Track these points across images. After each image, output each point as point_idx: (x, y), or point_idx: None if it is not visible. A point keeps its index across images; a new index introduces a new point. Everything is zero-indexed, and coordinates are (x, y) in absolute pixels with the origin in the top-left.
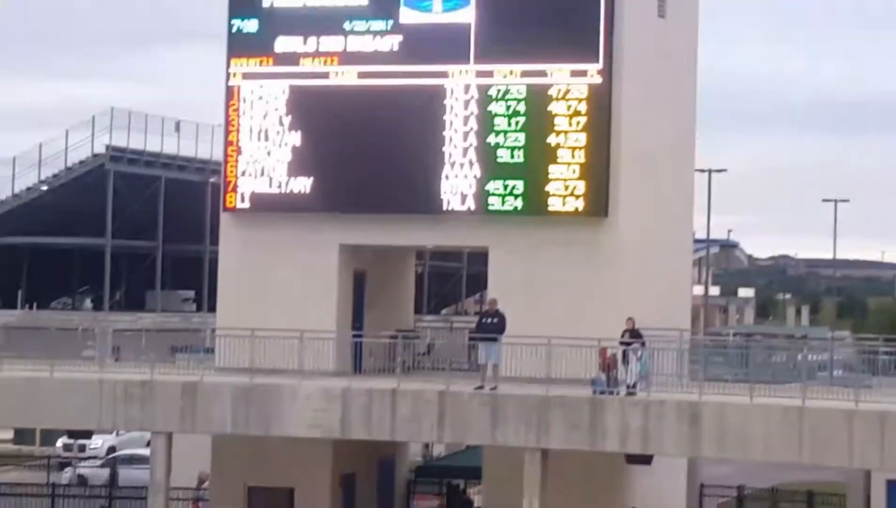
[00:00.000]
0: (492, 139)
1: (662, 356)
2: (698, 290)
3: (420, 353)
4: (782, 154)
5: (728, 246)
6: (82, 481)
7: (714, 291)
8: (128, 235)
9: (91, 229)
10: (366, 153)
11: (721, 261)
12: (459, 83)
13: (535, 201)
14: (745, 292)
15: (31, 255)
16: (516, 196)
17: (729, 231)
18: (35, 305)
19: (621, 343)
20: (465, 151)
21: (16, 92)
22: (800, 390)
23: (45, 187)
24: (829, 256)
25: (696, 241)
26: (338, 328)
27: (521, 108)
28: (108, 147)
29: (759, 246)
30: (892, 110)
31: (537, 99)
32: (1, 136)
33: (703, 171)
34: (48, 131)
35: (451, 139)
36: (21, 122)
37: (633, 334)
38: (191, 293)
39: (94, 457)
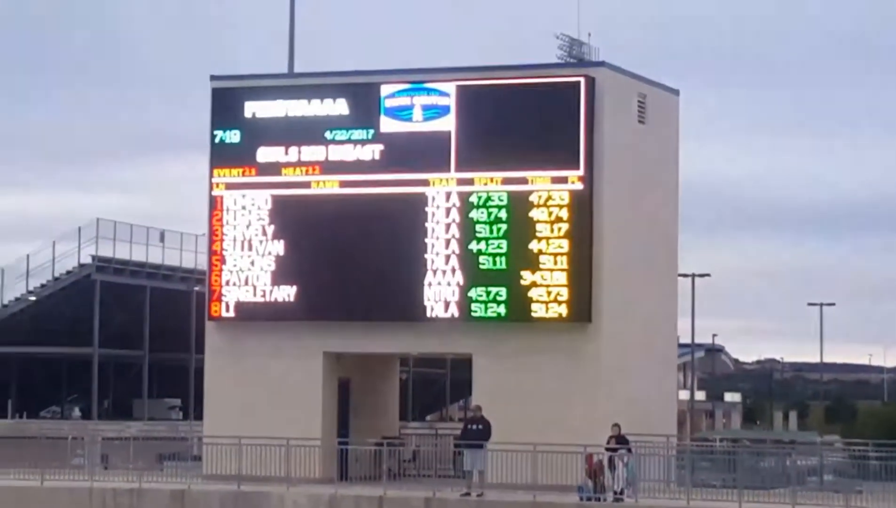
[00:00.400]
0: (474, 246)
1: (649, 462)
2: (684, 395)
3: (406, 460)
4: (767, 257)
5: (713, 350)
6: None
7: (700, 395)
8: (115, 344)
9: (79, 339)
10: (349, 261)
11: (706, 365)
12: (441, 191)
13: (518, 308)
14: (732, 397)
15: (19, 364)
16: (499, 303)
17: (714, 335)
18: (24, 414)
19: (607, 449)
20: (448, 258)
21: (4, 202)
22: (789, 495)
23: (32, 297)
24: (815, 359)
25: (681, 345)
26: (323, 436)
27: (503, 214)
28: (94, 257)
29: (745, 350)
30: (875, 213)
31: (519, 206)
32: None
33: (686, 275)
34: (35, 242)
35: (433, 246)
36: (8, 232)
37: (620, 440)
38: (177, 401)
39: None
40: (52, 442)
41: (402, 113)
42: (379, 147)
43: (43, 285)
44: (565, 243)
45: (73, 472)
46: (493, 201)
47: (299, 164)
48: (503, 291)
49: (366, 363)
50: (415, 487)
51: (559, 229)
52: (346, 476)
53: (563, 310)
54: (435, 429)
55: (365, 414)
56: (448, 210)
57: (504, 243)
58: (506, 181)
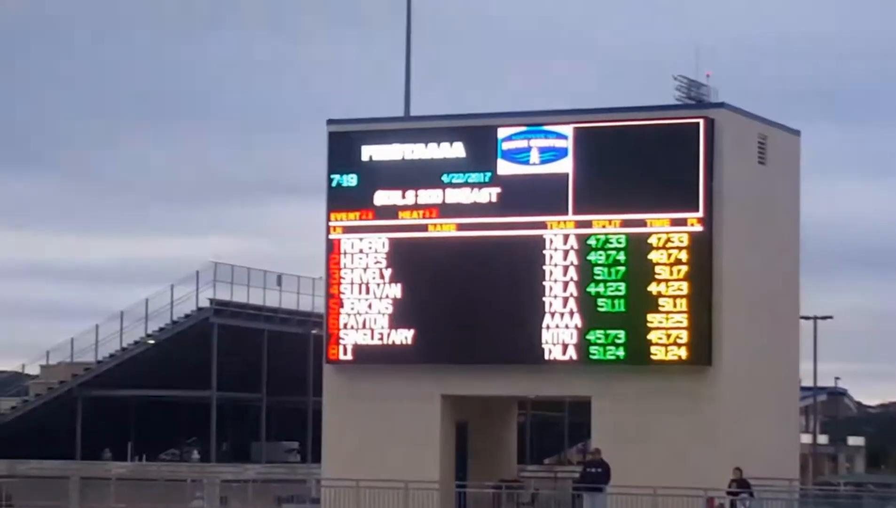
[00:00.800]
0: (592, 289)
1: (771, 507)
2: (806, 438)
3: (524, 503)
4: (890, 299)
5: (836, 394)
6: None
7: (822, 439)
8: (233, 387)
9: (197, 382)
10: (466, 304)
11: (829, 409)
12: (558, 233)
13: (637, 351)
14: (855, 441)
15: (139, 407)
16: (618, 345)
17: (836, 378)
18: (144, 456)
19: (729, 493)
20: (566, 300)
21: (124, 247)
22: None
23: (151, 341)
24: None
25: (803, 389)
26: (441, 478)
27: (622, 257)
28: (212, 301)
29: (869, 393)
30: None
31: (637, 248)
32: (110, 291)
33: (808, 318)
34: (152, 285)
35: (551, 289)
36: (126, 276)
37: (741, 483)
38: (295, 444)
39: None
40: (172, 485)
41: (519, 156)
42: (496, 190)
43: (161, 329)
44: (685, 286)
45: None
46: (611, 243)
47: (416, 207)
48: (622, 333)
49: (484, 406)
50: None
51: (678, 271)
52: None
53: (683, 353)
54: (553, 472)
55: (483, 457)
56: (566, 253)
57: (622, 286)
58: (624, 224)
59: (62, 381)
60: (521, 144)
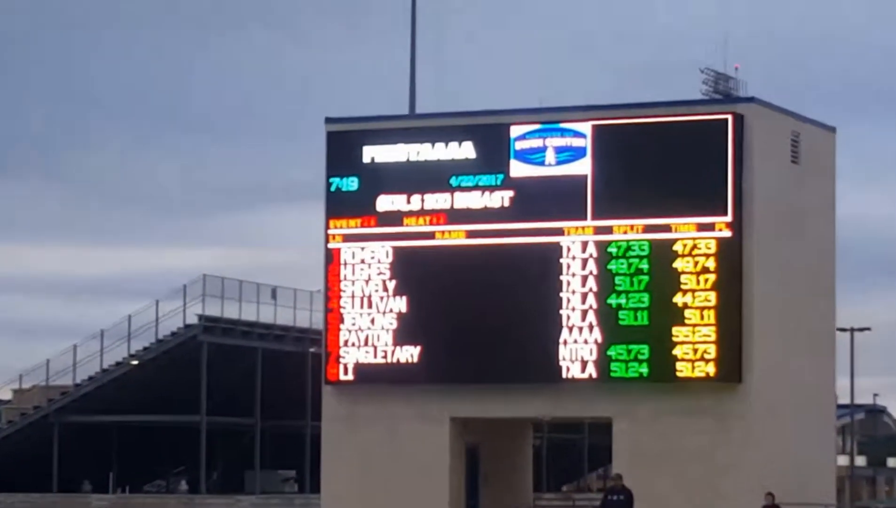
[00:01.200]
0: (613, 300)
1: None
2: (843, 460)
3: None
4: None
5: (875, 411)
6: None
7: (860, 461)
8: (224, 411)
9: (184, 406)
10: (477, 318)
11: (867, 428)
12: (576, 240)
13: (661, 367)
14: (895, 462)
15: (121, 434)
16: (641, 362)
17: (875, 395)
18: (127, 487)
19: None
20: (584, 313)
21: (103, 260)
22: None
23: (135, 362)
24: None
25: (840, 406)
26: (450, 505)
27: (645, 265)
28: (200, 317)
29: None
30: None
31: (661, 255)
32: (89, 308)
33: (844, 330)
34: (136, 301)
35: (568, 301)
36: (107, 291)
37: None
38: (292, 473)
39: None
40: None
41: (533, 156)
42: (509, 194)
43: (146, 348)
44: (712, 296)
45: None
46: (633, 250)
47: (422, 213)
48: (645, 349)
49: (496, 428)
50: None
51: (706, 280)
52: None
53: (711, 369)
54: (572, 500)
55: (496, 485)
56: (584, 261)
57: (646, 297)
58: (647, 229)
59: (37, 406)
60: (536, 143)
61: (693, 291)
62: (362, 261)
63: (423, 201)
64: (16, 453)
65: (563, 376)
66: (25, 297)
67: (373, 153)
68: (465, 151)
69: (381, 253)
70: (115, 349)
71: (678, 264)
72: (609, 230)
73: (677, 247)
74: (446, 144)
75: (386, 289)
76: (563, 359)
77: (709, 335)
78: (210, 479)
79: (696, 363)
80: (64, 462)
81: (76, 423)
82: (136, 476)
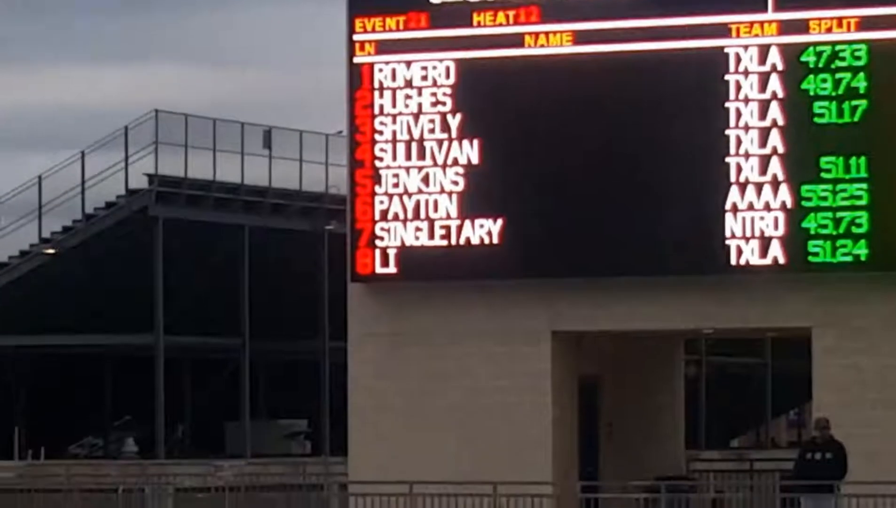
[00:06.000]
0: (810, 141)
1: None
2: None
3: None
4: None
5: None
6: None
7: None
8: (191, 328)
9: (129, 321)
10: (590, 174)
11: None
12: (751, 44)
13: (889, 248)
14: None
15: (29, 365)
16: (857, 239)
17: None
18: (42, 451)
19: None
20: (765, 162)
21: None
22: None
23: (50, 250)
24: None
25: None
26: (554, 475)
27: (861, 83)
28: (152, 178)
29: None
30: None
31: (886, 66)
32: None
33: None
34: (51, 153)
35: (738, 142)
36: (8, 137)
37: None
38: (302, 423)
39: None
40: (91, 497)
41: None
42: None
43: (66, 229)
44: None
45: None
46: (842, 59)
47: (504, 5)
48: (863, 217)
49: (626, 349)
50: None
51: None
52: None
53: None
54: (749, 461)
55: (627, 440)
56: (764, 78)
57: (862, 135)
58: (863, 25)
59: None
60: None
61: None
62: (408, 84)
63: None
64: None
65: (732, 262)
66: None
67: None
68: None
69: (440, 71)
70: (16, 233)
71: None
72: (803, 28)
73: None
74: None
75: (446, 128)
76: (732, 237)
77: None
78: (173, 435)
79: None
80: None
81: None
82: (56, 433)
